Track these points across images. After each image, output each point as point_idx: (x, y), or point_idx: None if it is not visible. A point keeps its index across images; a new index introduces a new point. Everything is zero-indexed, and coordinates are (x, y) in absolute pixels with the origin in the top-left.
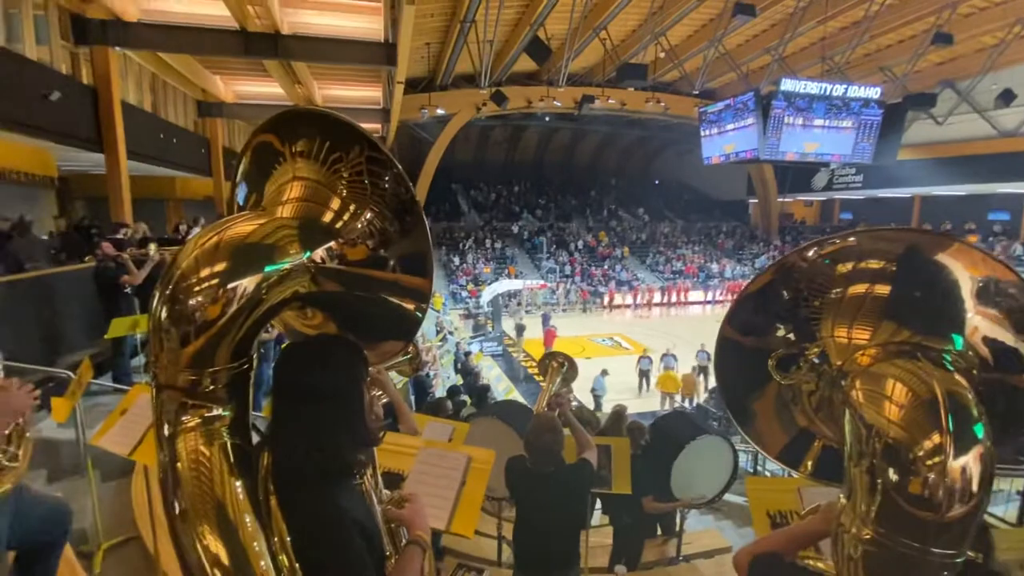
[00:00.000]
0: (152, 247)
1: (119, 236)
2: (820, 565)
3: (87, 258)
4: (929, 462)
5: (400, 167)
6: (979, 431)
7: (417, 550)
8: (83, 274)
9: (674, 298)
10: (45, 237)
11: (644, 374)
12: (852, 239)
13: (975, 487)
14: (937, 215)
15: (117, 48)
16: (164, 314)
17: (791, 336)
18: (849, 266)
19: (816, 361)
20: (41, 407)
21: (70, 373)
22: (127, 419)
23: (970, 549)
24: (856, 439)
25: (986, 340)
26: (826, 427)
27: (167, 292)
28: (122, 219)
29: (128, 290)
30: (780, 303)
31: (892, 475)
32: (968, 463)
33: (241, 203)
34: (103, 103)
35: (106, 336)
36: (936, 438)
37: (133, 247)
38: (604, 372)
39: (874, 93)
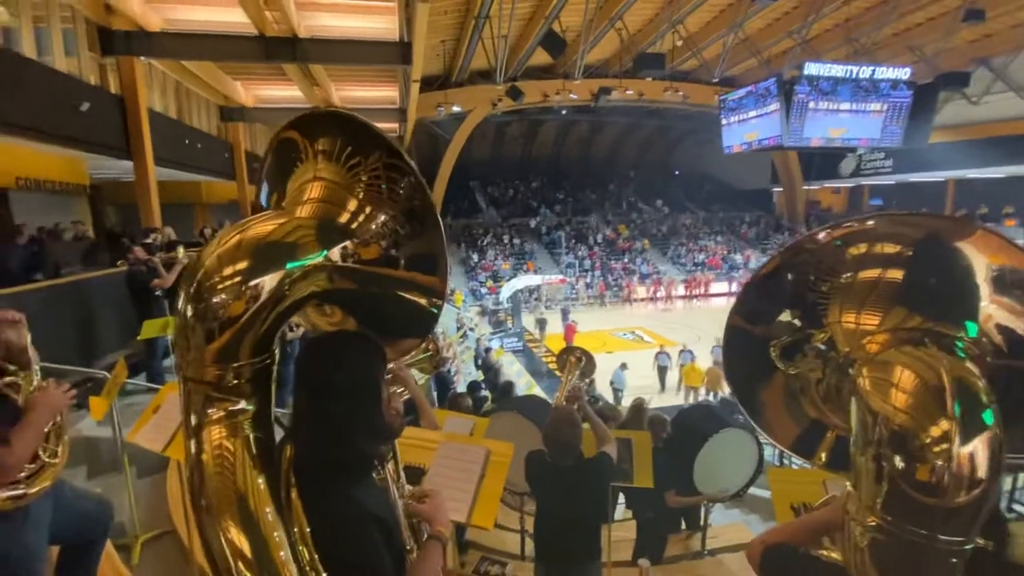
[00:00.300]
0: (180, 250)
1: (149, 241)
2: (835, 555)
3: (119, 263)
4: (935, 448)
5: (417, 171)
6: (988, 417)
7: (437, 545)
8: (116, 279)
9: (698, 290)
10: (77, 239)
11: (663, 371)
12: (871, 222)
13: (983, 473)
14: (973, 199)
15: (142, 58)
16: (189, 311)
17: (796, 322)
18: (862, 248)
19: (822, 348)
20: (80, 406)
21: (106, 373)
22: (159, 416)
23: (981, 537)
24: (862, 427)
25: (1001, 328)
26: (835, 416)
27: (191, 290)
28: (151, 224)
29: (159, 293)
30: (787, 288)
31: (898, 462)
32: (976, 449)
33: (264, 202)
34: (131, 112)
35: (139, 338)
36: (943, 424)
37: (162, 251)
38: (623, 366)
39: (903, 74)
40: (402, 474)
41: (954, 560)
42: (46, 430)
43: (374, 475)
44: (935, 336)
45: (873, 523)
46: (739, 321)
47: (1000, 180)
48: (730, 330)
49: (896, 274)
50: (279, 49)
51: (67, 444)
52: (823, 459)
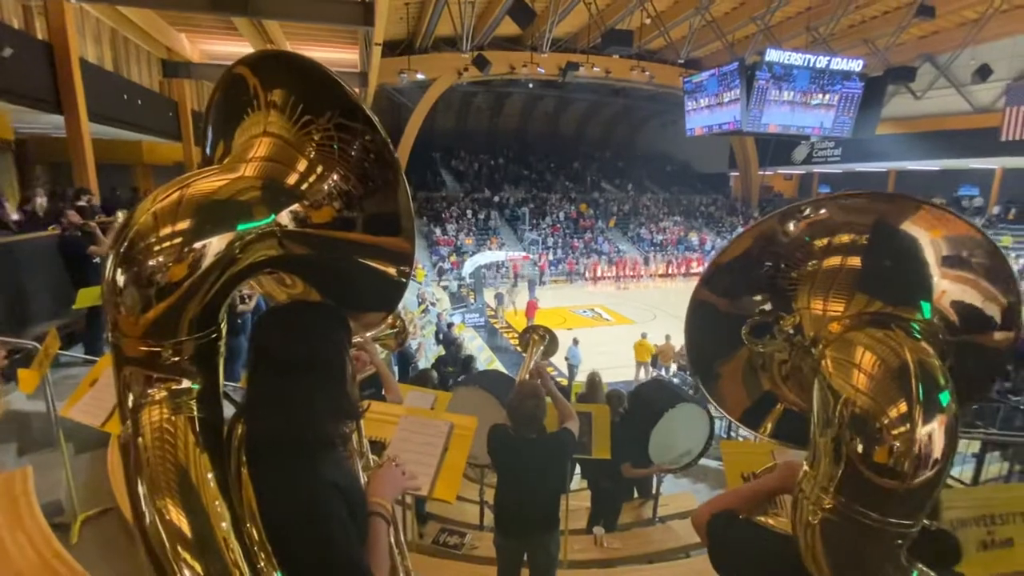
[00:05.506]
0: (120, 214)
1: (83, 203)
2: (771, 522)
3: (52, 227)
4: (896, 431)
5: (382, 131)
6: (944, 399)
7: (378, 522)
8: (47, 242)
9: (654, 269)
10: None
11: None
12: (823, 211)
13: (939, 455)
14: (911, 189)
15: (72, 0)
16: (120, 278)
17: (767, 305)
18: (825, 241)
19: (791, 332)
20: (8, 378)
21: (36, 344)
22: (97, 390)
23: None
24: (824, 408)
25: (954, 303)
26: (792, 393)
27: (122, 251)
28: (86, 185)
29: (97, 260)
30: (757, 271)
31: (857, 444)
32: (933, 431)
33: (209, 151)
34: (60, 60)
35: (74, 307)
36: (904, 407)
37: (100, 214)
38: (575, 341)
39: (856, 65)
40: (367, 447)
41: (899, 542)
42: None
43: (337, 453)
44: (895, 320)
45: (827, 504)
46: (706, 295)
47: (937, 172)
48: (696, 303)
49: (855, 261)
50: (229, 0)
51: None
52: (768, 430)
